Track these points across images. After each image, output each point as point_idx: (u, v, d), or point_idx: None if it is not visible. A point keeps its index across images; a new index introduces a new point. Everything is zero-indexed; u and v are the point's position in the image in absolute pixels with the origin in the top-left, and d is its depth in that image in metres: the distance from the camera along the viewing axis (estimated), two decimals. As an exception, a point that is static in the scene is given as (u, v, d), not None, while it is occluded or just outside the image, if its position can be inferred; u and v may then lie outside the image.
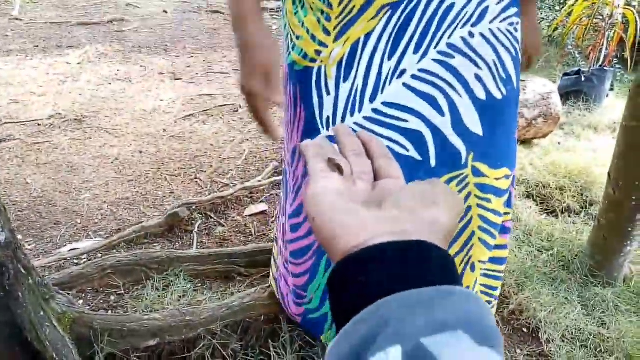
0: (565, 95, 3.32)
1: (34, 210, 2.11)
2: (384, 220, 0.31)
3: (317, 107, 0.93)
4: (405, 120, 0.92)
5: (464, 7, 0.87)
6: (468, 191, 1.03)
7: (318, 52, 0.90)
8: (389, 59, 0.89)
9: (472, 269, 1.10)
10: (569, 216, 2.18)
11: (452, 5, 0.86)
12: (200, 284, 1.64)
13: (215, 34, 5.62)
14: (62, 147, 2.70)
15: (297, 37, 0.92)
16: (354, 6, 0.86)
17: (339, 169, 0.38)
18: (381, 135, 0.92)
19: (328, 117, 0.94)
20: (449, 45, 0.89)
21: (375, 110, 0.92)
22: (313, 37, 0.90)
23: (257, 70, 0.85)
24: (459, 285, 0.27)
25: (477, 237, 1.07)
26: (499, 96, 0.95)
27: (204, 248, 1.83)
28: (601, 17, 3.43)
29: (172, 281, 1.60)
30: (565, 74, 3.49)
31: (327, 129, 0.94)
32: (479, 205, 1.05)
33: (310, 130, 0.95)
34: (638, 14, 3.39)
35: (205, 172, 2.48)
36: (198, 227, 1.97)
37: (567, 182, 2.31)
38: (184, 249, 1.84)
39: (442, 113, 0.93)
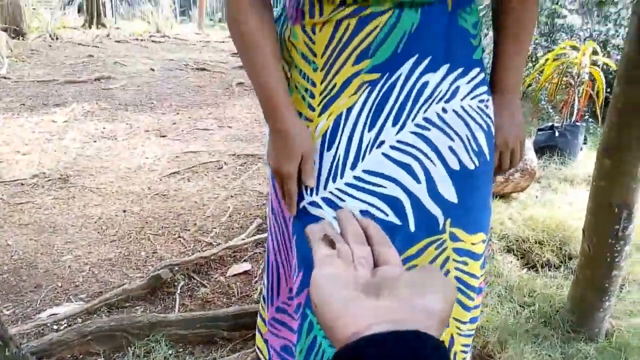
0: (541, 149, 3.43)
1: (14, 274, 2.08)
2: (382, 310, 0.34)
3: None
4: (384, 187, 0.96)
5: (437, 86, 0.93)
6: (446, 255, 1.06)
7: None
8: (369, 130, 0.94)
9: (447, 325, 1.13)
10: (549, 270, 2.21)
11: (426, 84, 0.93)
12: (182, 349, 1.62)
13: (201, 91, 5.75)
14: (45, 207, 2.69)
15: None
16: (336, 84, 0.93)
17: (331, 244, 0.41)
18: (361, 200, 0.96)
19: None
20: (425, 119, 0.94)
21: (356, 177, 0.96)
22: (299, 114, 0.96)
23: (292, 156, 0.93)
24: None
25: None
26: (471, 167, 1.00)
27: (186, 311, 1.81)
28: (570, 75, 3.61)
29: (153, 347, 1.58)
30: (540, 129, 3.63)
31: (311, 195, 0.98)
32: (456, 268, 1.08)
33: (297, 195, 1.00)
34: (603, 71, 3.58)
35: (188, 230, 2.49)
36: (181, 289, 1.96)
37: (545, 236, 2.36)
38: (166, 311, 1.82)
39: (418, 181, 0.97)
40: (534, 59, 5.10)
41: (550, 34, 5.03)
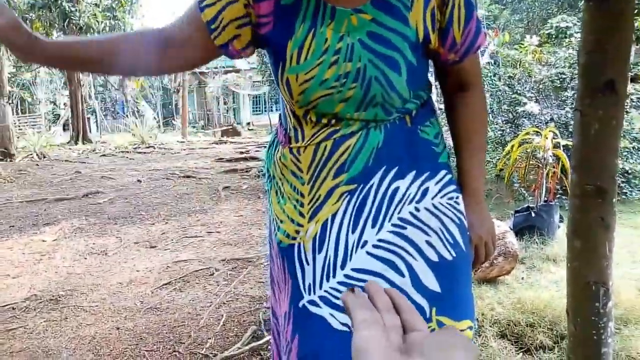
0: (520, 231, 3.57)
1: (6, 406, 2.04)
2: None
3: (300, 275, 1.10)
4: None
5: (407, 190, 1.08)
6: None
7: (297, 232, 1.10)
8: (352, 232, 1.07)
9: None
10: (544, 352, 2.24)
11: (397, 189, 1.08)
12: None
13: (188, 199, 5.89)
14: (37, 332, 2.67)
15: (281, 222, 1.14)
16: (320, 194, 1.08)
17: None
18: None
19: (310, 284, 1.08)
20: (400, 219, 1.08)
21: (346, 276, 1.07)
22: (292, 220, 1.11)
23: None
24: None
25: None
26: (449, 257, 1.11)
27: None
28: (536, 158, 3.85)
29: None
30: (517, 211, 3.79)
31: (309, 294, 1.07)
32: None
33: (296, 295, 1.09)
34: (567, 150, 3.83)
35: (183, 343, 2.48)
36: (179, 406, 1.93)
37: (535, 318, 2.41)
38: None
39: (402, 274, 1.08)
40: (503, 143, 5.42)
41: (514, 120, 5.39)
